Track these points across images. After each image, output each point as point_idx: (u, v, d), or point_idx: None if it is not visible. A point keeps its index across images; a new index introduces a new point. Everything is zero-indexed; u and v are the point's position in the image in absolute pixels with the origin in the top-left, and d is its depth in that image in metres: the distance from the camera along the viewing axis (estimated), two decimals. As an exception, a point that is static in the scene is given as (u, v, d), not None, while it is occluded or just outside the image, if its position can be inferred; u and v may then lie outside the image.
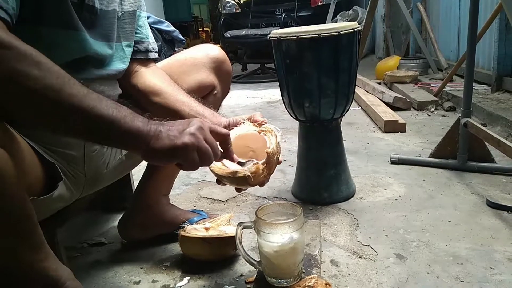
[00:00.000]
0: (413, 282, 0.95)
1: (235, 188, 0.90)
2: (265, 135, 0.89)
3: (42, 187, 0.78)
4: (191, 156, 0.70)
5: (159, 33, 2.25)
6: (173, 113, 0.96)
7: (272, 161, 0.83)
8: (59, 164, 0.82)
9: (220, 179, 0.86)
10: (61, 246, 0.96)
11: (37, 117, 0.61)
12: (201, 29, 9.32)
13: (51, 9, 0.73)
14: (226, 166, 0.84)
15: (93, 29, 0.83)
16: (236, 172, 0.81)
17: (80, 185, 0.90)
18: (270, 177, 0.88)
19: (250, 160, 0.85)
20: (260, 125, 0.91)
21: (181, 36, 2.40)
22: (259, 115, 0.93)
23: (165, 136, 0.68)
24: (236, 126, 0.91)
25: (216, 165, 0.84)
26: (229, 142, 0.80)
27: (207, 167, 0.80)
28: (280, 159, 0.89)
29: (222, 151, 0.79)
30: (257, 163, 0.82)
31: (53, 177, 0.81)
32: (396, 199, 1.38)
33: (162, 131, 0.69)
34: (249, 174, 0.80)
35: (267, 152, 0.83)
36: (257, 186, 0.86)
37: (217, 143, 0.76)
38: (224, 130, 0.79)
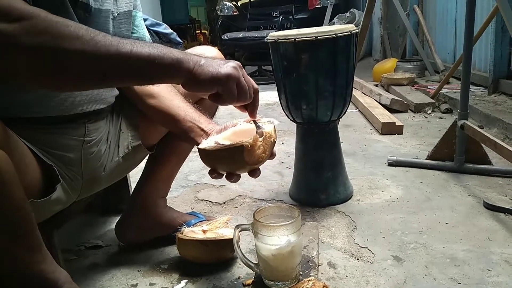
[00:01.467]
0: (411, 284, 0.96)
1: (227, 176, 0.84)
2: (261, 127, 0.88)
3: (40, 189, 0.78)
4: (232, 86, 0.74)
5: (156, 36, 2.26)
6: (168, 117, 0.96)
7: (268, 141, 0.81)
8: (57, 166, 0.82)
9: (215, 160, 0.82)
10: (58, 249, 0.96)
11: (79, 75, 0.64)
12: (198, 31, 9.33)
13: (46, 6, 0.73)
14: (221, 144, 0.82)
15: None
16: (233, 143, 0.78)
17: (78, 188, 0.90)
18: (266, 161, 0.84)
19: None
20: (257, 121, 0.90)
21: (178, 39, 2.40)
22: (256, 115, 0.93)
23: (208, 65, 0.72)
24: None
25: (210, 145, 0.82)
26: (257, 95, 0.81)
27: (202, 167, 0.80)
28: (274, 151, 0.87)
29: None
30: (255, 135, 0.80)
31: (50, 180, 0.81)
32: (394, 201, 1.39)
33: (203, 61, 0.72)
34: (247, 143, 0.77)
35: (264, 132, 0.82)
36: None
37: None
38: (256, 86, 0.80)
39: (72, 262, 1.15)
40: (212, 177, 0.84)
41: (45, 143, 0.82)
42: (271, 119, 0.89)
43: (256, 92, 0.80)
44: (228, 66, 0.74)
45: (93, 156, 0.92)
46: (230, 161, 0.80)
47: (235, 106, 0.81)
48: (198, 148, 0.84)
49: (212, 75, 0.72)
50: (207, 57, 0.75)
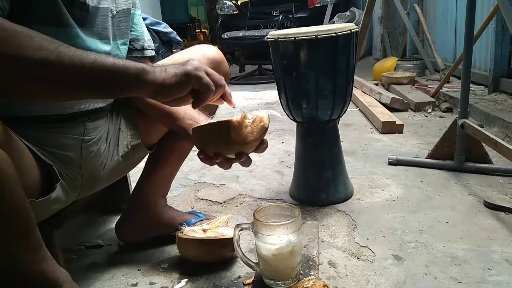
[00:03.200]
0: (411, 283, 0.95)
1: (215, 158, 0.82)
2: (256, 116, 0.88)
3: (39, 189, 0.78)
4: (204, 76, 0.75)
5: (156, 35, 2.25)
6: (168, 115, 0.96)
7: (258, 125, 0.81)
8: (56, 165, 0.82)
9: (203, 137, 0.82)
10: (58, 248, 0.96)
11: (44, 85, 0.64)
12: (198, 30, 9.32)
13: (41, 6, 0.73)
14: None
15: (85, 26, 0.82)
16: (221, 120, 0.79)
17: (77, 187, 0.90)
18: (254, 147, 0.83)
19: None
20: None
21: (178, 38, 2.39)
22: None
23: (172, 69, 0.74)
24: None
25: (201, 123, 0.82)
26: (227, 83, 0.82)
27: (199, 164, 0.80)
28: (266, 141, 0.86)
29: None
30: (243, 112, 0.80)
31: (50, 179, 0.81)
32: (394, 200, 1.39)
33: (167, 66, 0.74)
34: (233, 119, 0.77)
35: (254, 115, 0.82)
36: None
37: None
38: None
39: (72, 261, 1.15)
40: (200, 158, 0.84)
41: (44, 142, 0.82)
42: (268, 111, 0.88)
43: (225, 77, 0.80)
44: (191, 62, 0.76)
45: (93, 155, 0.91)
46: (218, 138, 0.81)
47: (212, 103, 0.81)
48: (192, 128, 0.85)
49: (180, 74, 0.73)
50: (172, 63, 0.76)
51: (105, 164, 0.97)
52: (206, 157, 0.83)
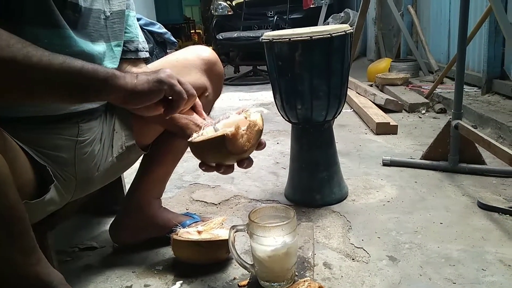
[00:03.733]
0: (406, 284, 0.96)
1: (217, 168, 0.83)
2: (249, 115, 0.87)
3: (33, 190, 0.77)
4: (176, 83, 0.76)
5: (150, 35, 2.24)
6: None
7: (252, 130, 0.81)
8: (50, 167, 0.81)
9: (201, 152, 0.82)
10: (51, 250, 0.95)
11: (9, 84, 0.63)
12: (193, 31, 9.30)
13: (32, 7, 0.72)
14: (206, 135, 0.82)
15: (77, 28, 0.81)
16: (214, 134, 0.78)
17: (71, 188, 0.89)
18: (252, 151, 0.83)
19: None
20: (246, 112, 0.89)
21: (173, 38, 2.39)
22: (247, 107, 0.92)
23: (144, 75, 0.74)
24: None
25: (195, 137, 0.82)
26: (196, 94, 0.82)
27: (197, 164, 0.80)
28: (263, 141, 0.86)
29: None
30: (237, 124, 0.79)
31: (44, 180, 0.80)
32: (388, 201, 1.39)
33: (139, 73, 0.74)
34: (227, 133, 0.76)
35: (248, 121, 0.81)
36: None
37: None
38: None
39: (66, 263, 1.14)
40: (203, 170, 0.84)
41: (38, 143, 0.81)
42: (259, 109, 0.88)
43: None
44: (163, 70, 0.76)
45: (87, 156, 0.91)
46: (215, 151, 0.80)
47: (182, 113, 0.82)
48: (187, 141, 0.84)
49: (152, 80, 0.74)
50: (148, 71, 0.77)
51: (100, 165, 0.96)
52: (208, 168, 0.83)
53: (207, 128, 0.86)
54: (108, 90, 0.70)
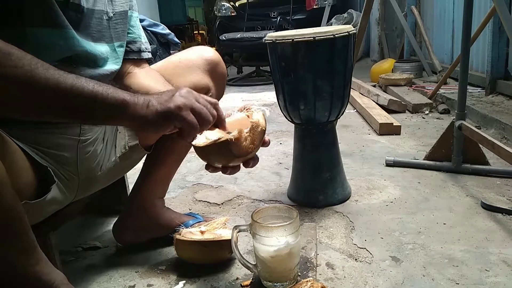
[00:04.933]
0: (409, 284, 0.95)
1: (223, 170, 0.83)
2: (252, 115, 0.87)
3: (35, 190, 0.77)
4: (188, 116, 0.72)
5: (154, 36, 2.25)
6: None
7: (256, 131, 0.81)
8: (52, 166, 0.82)
9: (206, 156, 0.82)
10: (55, 250, 0.95)
11: (17, 104, 0.61)
12: (196, 32, 9.30)
13: (34, 8, 0.73)
14: (209, 139, 0.81)
15: (80, 28, 0.82)
16: (219, 138, 0.78)
17: (74, 188, 0.90)
18: (257, 152, 0.84)
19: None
20: (248, 109, 0.90)
21: (176, 39, 2.40)
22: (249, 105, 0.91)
23: (156, 103, 0.70)
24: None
25: (199, 141, 0.81)
26: (219, 109, 0.79)
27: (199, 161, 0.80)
28: (267, 139, 0.86)
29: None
30: (239, 128, 0.79)
31: (45, 180, 0.81)
32: (392, 202, 1.39)
33: (151, 99, 0.70)
34: (231, 137, 0.76)
35: (251, 122, 0.81)
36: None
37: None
38: (214, 99, 0.79)
39: (70, 263, 1.15)
40: (209, 171, 0.84)
41: (39, 142, 0.81)
42: (261, 107, 0.88)
43: (215, 105, 0.77)
44: (177, 97, 0.72)
45: (89, 156, 0.91)
46: (220, 155, 0.80)
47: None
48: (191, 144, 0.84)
49: (161, 113, 0.70)
50: (158, 92, 0.73)
51: (102, 164, 0.97)
52: (214, 169, 0.83)
53: (208, 131, 0.86)
54: (117, 116, 0.68)
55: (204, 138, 0.81)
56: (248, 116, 0.87)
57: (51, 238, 0.94)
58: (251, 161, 0.83)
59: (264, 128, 0.83)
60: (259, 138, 0.82)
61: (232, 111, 0.91)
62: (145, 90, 0.97)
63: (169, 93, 0.73)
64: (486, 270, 0.99)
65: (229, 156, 0.79)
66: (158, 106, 0.70)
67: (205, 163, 0.84)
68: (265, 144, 0.85)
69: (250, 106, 0.89)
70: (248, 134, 0.80)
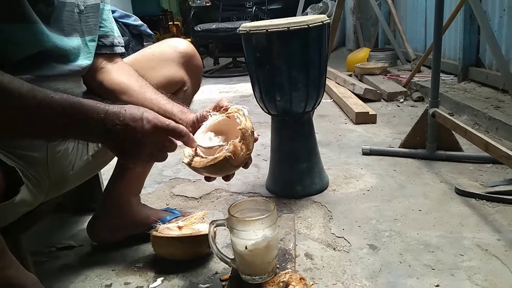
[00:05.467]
0: (386, 271, 0.97)
1: (224, 178, 0.86)
2: (233, 116, 0.86)
3: (2, 192, 0.74)
4: (164, 154, 0.78)
5: (126, 28, 2.19)
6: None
7: (247, 137, 0.81)
8: (20, 167, 0.78)
9: (205, 173, 0.83)
10: (26, 252, 0.92)
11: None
12: (171, 23, 9.16)
13: (2, 3, 0.69)
14: (205, 157, 0.81)
15: (50, 22, 0.79)
16: (216, 158, 0.78)
17: (44, 188, 0.87)
18: (251, 155, 0.85)
19: (220, 144, 0.83)
20: (226, 110, 0.88)
21: (149, 30, 2.34)
22: (224, 100, 0.89)
23: (129, 154, 0.75)
24: (204, 120, 0.89)
25: (195, 161, 0.81)
26: (185, 134, 0.78)
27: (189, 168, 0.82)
28: (256, 135, 0.86)
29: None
30: (232, 141, 0.79)
31: (14, 181, 0.77)
32: (368, 190, 1.40)
33: (124, 146, 0.74)
34: (229, 154, 0.77)
35: (240, 129, 0.80)
36: (242, 169, 0.83)
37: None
38: (168, 123, 0.76)
39: (43, 264, 1.11)
40: (207, 181, 0.87)
41: (8, 142, 0.78)
42: (240, 107, 0.86)
43: (180, 135, 0.77)
44: (144, 147, 0.74)
45: (60, 155, 0.88)
46: (219, 170, 0.82)
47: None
48: (183, 162, 0.83)
49: (142, 157, 0.75)
50: (132, 128, 0.72)
51: (74, 163, 0.94)
52: (212, 179, 0.86)
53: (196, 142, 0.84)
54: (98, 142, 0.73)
55: (198, 157, 0.81)
56: (228, 117, 0.85)
57: (21, 239, 0.90)
58: (248, 162, 0.84)
59: (252, 130, 0.83)
60: (252, 141, 0.82)
61: (206, 111, 0.89)
62: (117, 87, 0.95)
63: (137, 138, 0.73)
64: (460, 254, 1.01)
65: (228, 169, 0.81)
66: (131, 157, 0.76)
67: (209, 181, 0.87)
68: (255, 140, 0.86)
69: (226, 105, 0.87)
70: (242, 143, 0.80)
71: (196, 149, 0.82)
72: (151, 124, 0.73)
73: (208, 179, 0.86)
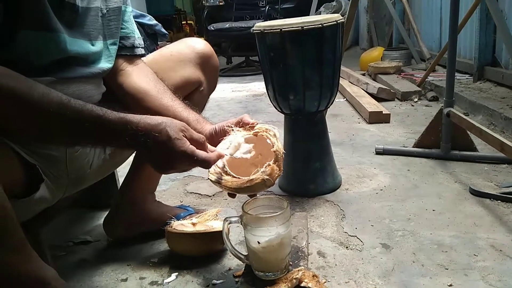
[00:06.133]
0: (399, 271, 0.97)
1: (249, 196, 0.89)
2: (263, 135, 0.86)
3: (23, 188, 0.76)
4: (190, 166, 0.81)
5: (141, 27, 2.22)
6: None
7: (279, 158, 0.82)
8: (40, 165, 0.80)
9: (237, 192, 0.84)
10: (45, 246, 0.95)
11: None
12: (184, 22, 9.22)
13: (27, 11, 0.71)
14: (237, 177, 0.83)
15: (74, 27, 0.81)
16: (252, 180, 0.80)
17: (63, 186, 0.89)
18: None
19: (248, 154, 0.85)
20: (252, 127, 0.88)
21: (163, 30, 2.37)
22: (248, 117, 0.89)
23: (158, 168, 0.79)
24: (224, 135, 0.88)
25: (226, 180, 0.82)
26: (205, 166, 0.80)
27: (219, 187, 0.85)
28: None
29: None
30: (269, 164, 0.81)
31: (34, 178, 0.79)
32: (381, 189, 1.40)
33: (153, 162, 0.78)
34: (267, 177, 0.79)
35: (274, 152, 0.82)
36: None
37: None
38: (196, 157, 0.77)
39: (60, 258, 1.14)
40: (232, 198, 0.90)
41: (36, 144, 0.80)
42: (269, 127, 0.86)
43: (202, 164, 0.79)
44: (173, 165, 0.77)
45: (78, 154, 0.90)
46: (252, 191, 0.84)
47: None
48: (209, 180, 0.84)
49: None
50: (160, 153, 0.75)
51: (92, 162, 0.95)
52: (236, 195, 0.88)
53: (221, 163, 0.84)
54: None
55: (229, 176, 0.83)
56: (255, 135, 0.86)
57: (40, 234, 0.93)
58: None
59: (284, 151, 0.84)
60: (282, 160, 0.84)
61: (227, 125, 0.89)
62: (136, 92, 0.96)
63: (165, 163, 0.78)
64: (474, 255, 1.00)
65: (262, 189, 0.83)
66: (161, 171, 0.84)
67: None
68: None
69: (254, 123, 0.87)
70: (276, 164, 0.82)
71: (224, 167, 0.83)
72: (179, 151, 0.75)
73: (232, 195, 0.87)
